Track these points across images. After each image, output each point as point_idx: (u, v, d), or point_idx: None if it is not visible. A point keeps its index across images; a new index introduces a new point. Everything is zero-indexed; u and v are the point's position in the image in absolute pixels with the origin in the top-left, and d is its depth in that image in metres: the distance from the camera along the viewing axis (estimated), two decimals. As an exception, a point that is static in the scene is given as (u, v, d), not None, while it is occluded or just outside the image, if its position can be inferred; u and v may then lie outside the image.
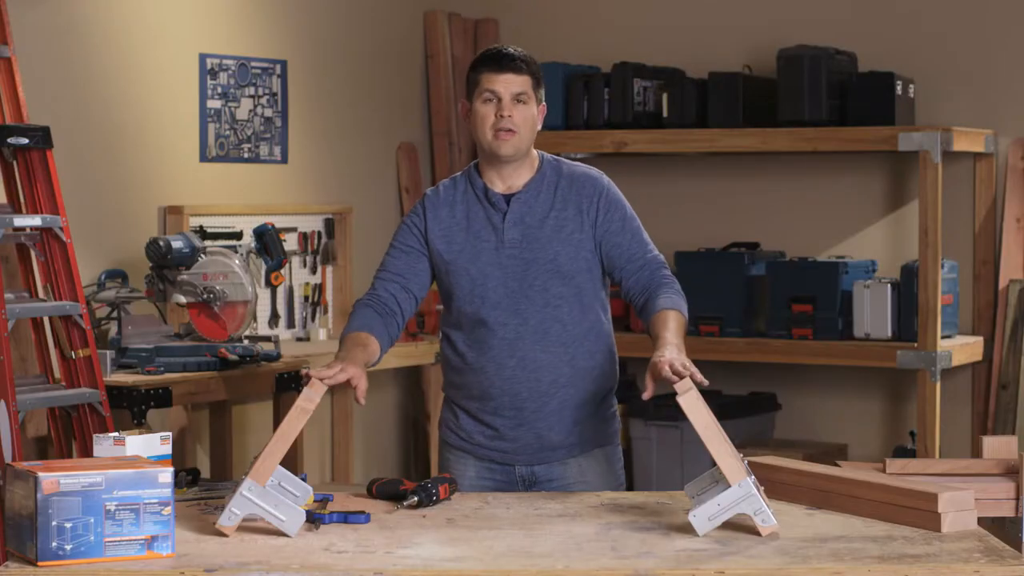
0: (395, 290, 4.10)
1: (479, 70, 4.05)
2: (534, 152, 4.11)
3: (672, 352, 3.74)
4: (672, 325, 3.90)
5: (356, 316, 4.08)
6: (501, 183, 4.09)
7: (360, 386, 3.78)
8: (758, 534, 3.35)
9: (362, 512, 3.51)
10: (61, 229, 5.14)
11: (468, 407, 4.10)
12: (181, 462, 5.38)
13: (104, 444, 3.52)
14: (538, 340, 4.02)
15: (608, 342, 4.14)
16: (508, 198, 4.07)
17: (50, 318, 5.26)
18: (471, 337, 4.06)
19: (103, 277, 5.79)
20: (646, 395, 3.74)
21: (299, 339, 6.86)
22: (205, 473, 6.22)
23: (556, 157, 4.17)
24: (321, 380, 3.61)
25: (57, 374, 5.30)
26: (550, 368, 4.02)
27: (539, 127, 4.09)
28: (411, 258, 4.11)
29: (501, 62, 4.02)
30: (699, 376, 3.64)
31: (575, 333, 4.04)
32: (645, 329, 4.03)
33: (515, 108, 4.01)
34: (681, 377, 3.60)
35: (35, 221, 5.12)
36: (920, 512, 3.45)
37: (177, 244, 5.68)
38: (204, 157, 6.52)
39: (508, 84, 4.01)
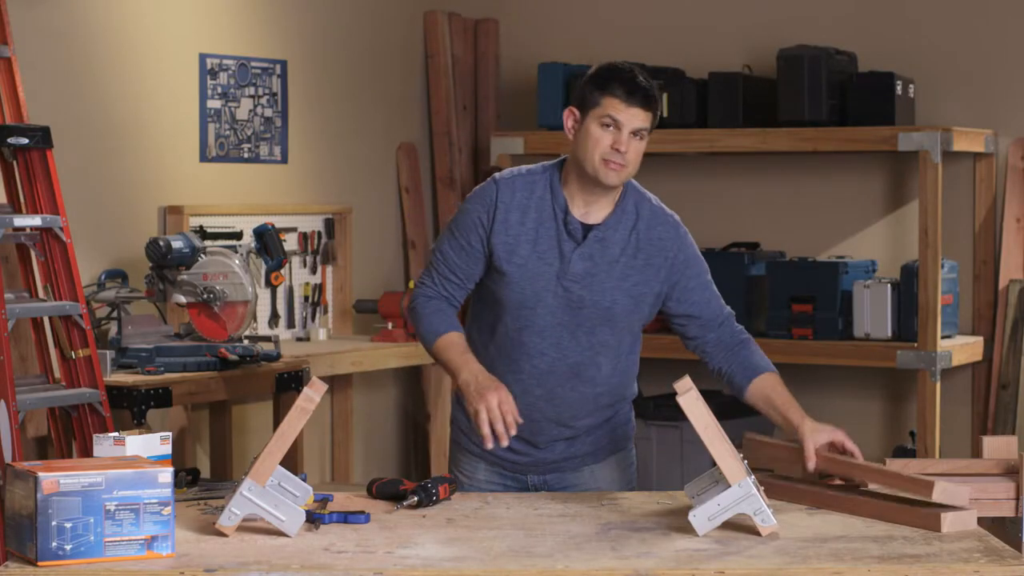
0: (454, 290, 3.96)
1: (606, 90, 3.81)
2: None
3: (832, 431, 3.81)
4: (788, 396, 3.97)
5: (435, 311, 3.96)
6: (582, 205, 3.89)
7: (511, 411, 3.75)
8: (758, 534, 3.35)
9: (362, 512, 3.51)
10: (61, 229, 5.14)
11: None
12: (181, 462, 5.38)
13: (104, 444, 3.52)
14: (570, 378, 3.93)
15: (634, 368, 4.06)
16: (586, 229, 3.88)
17: (50, 318, 5.26)
18: (503, 351, 3.94)
19: (103, 277, 5.79)
20: (811, 465, 3.75)
21: (299, 339, 6.86)
22: (205, 473, 6.21)
23: (640, 189, 3.99)
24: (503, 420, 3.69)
25: (57, 374, 5.29)
26: (574, 406, 3.96)
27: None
28: (471, 259, 3.92)
29: (634, 94, 3.80)
30: (858, 452, 3.76)
31: (606, 375, 3.95)
32: (735, 384, 4.02)
33: (631, 142, 3.82)
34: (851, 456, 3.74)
35: (35, 221, 5.12)
36: (920, 511, 3.45)
37: (177, 244, 5.68)
38: (204, 157, 6.52)
39: (633, 119, 3.81)
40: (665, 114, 7.11)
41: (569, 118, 3.89)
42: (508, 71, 7.79)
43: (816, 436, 3.78)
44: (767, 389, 3.94)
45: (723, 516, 3.36)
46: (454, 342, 3.90)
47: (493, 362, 3.93)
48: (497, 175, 3.95)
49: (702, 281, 3.98)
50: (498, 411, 3.70)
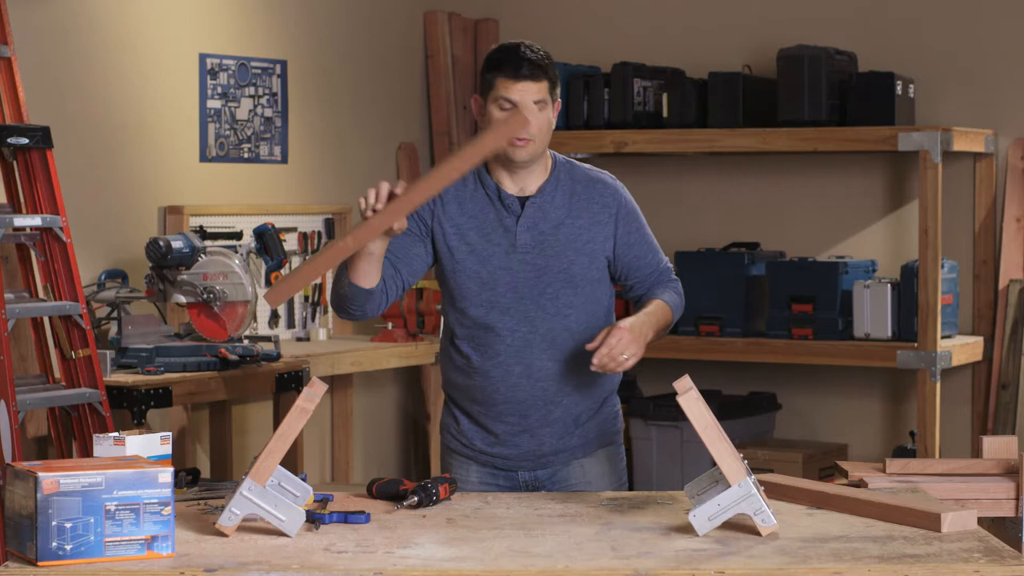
0: (383, 264, 3.91)
1: (495, 73, 3.91)
2: (547, 152, 4.03)
3: (628, 328, 3.81)
4: (650, 308, 3.96)
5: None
6: (513, 185, 3.98)
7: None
8: (758, 534, 3.35)
9: (362, 512, 3.51)
10: (61, 229, 5.14)
11: (470, 410, 4.06)
12: (181, 462, 5.38)
13: (104, 444, 3.52)
14: (546, 348, 3.97)
15: None
16: (522, 201, 3.97)
17: (50, 318, 5.26)
18: (476, 340, 4.00)
19: (103, 277, 5.80)
20: (588, 346, 3.81)
21: (299, 339, 6.86)
22: (205, 473, 6.22)
23: (569, 159, 4.08)
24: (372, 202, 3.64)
25: (57, 374, 5.30)
26: (556, 377, 3.99)
27: (554, 125, 3.99)
28: (408, 240, 3.95)
29: (519, 69, 3.88)
30: (619, 364, 3.78)
31: (582, 341, 3.96)
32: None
33: (532, 116, 3.88)
34: (613, 365, 3.77)
35: (35, 221, 5.13)
36: (920, 511, 3.45)
37: (177, 244, 5.68)
38: (204, 157, 6.52)
39: (525, 92, 3.88)
40: (665, 114, 7.11)
41: (475, 105, 3.99)
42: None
43: (617, 326, 3.83)
44: (641, 304, 4.03)
45: (723, 516, 3.36)
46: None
47: (474, 357, 3.99)
48: None
49: (642, 236, 4.06)
50: (383, 183, 3.68)
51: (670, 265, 4.13)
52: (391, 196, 3.66)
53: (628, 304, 4.15)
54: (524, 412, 4.00)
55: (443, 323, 4.16)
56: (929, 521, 3.41)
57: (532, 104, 3.89)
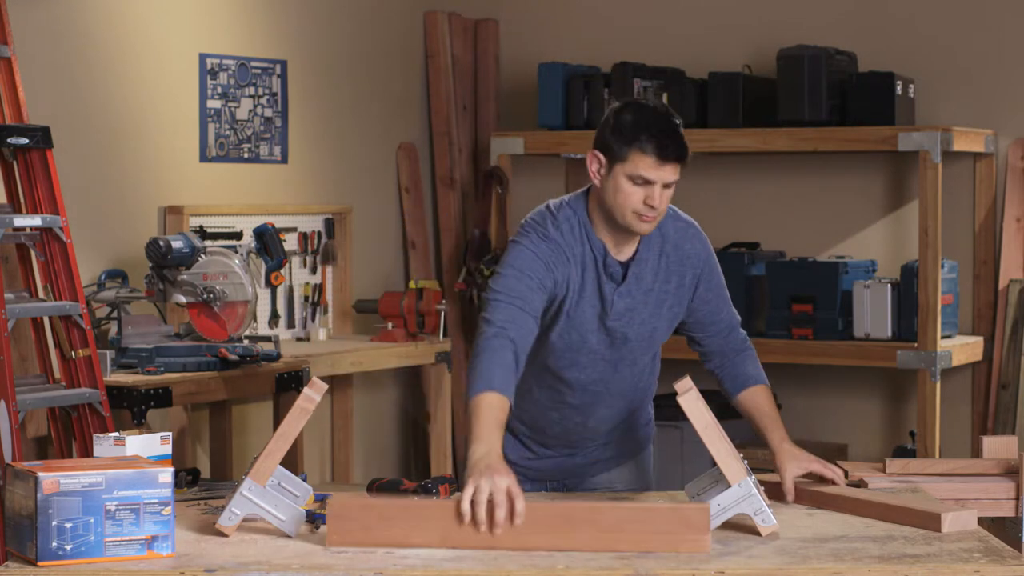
0: (530, 324, 3.63)
1: (634, 146, 3.59)
2: None
3: (809, 462, 3.76)
4: (773, 407, 3.90)
5: (499, 362, 3.56)
6: (613, 244, 3.75)
7: (520, 504, 3.24)
8: (758, 534, 3.35)
9: (362, 512, 3.51)
10: (61, 229, 5.13)
11: (514, 428, 3.94)
12: (181, 462, 5.38)
13: (104, 444, 3.52)
14: (612, 403, 3.92)
15: (657, 368, 4.04)
16: (624, 267, 3.76)
17: (50, 318, 5.26)
18: (546, 381, 3.86)
19: (103, 277, 5.79)
20: (791, 498, 3.68)
21: (299, 339, 6.86)
22: (205, 473, 6.22)
23: None
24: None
25: (57, 374, 5.29)
26: (610, 419, 3.95)
27: None
28: (541, 294, 3.67)
29: (666, 152, 3.60)
30: (841, 478, 3.74)
31: (640, 387, 3.96)
32: (727, 391, 3.96)
33: (664, 194, 3.65)
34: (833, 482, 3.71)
35: (35, 221, 5.12)
36: (919, 511, 3.45)
37: (177, 244, 5.68)
38: (204, 157, 6.52)
39: (665, 175, 3.63)
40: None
41: (594, 163, 3.68)
42: (508, 71, 7.79)
43: (792, 466, 3.73)
44: (754, 402, 3.90)
45: (723, 516, 3.36)
46: (494, 406, 3.48)
47: (536, 392, 3.88)
48: (549, 216, 3.75)
49: (718, 291, 3.92)
50: (505, 496, 3.24)
51: (738, 317, 4.00)
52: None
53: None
54: (572, 444, 3.98)
55: None
56: (929, 521, 3.41)
57: (664, 185, 3.64)
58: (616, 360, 3.85)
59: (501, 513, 3.21)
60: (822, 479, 3.74)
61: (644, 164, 3.61)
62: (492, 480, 3.24)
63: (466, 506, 3.21)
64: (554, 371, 3.84)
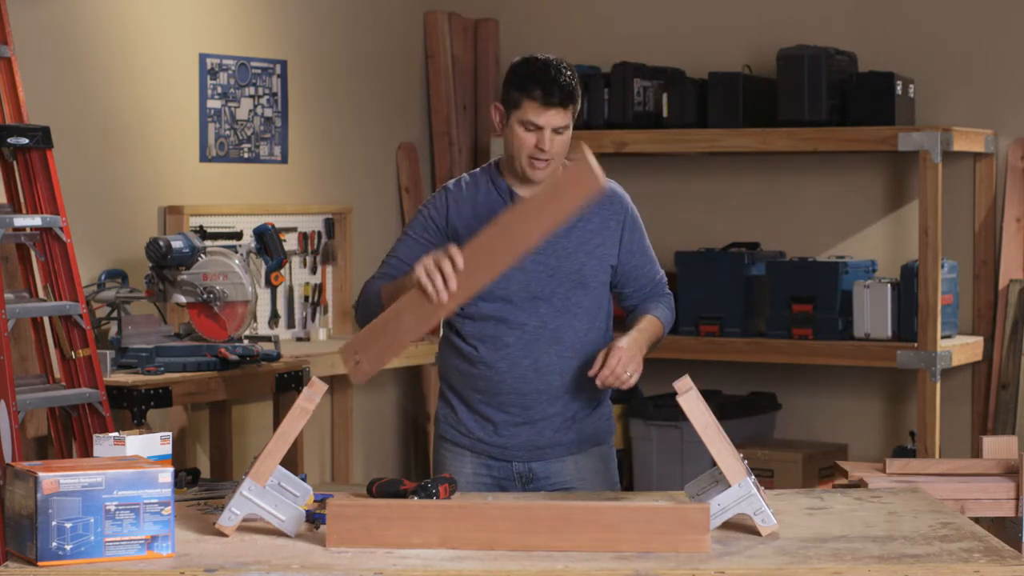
0: (404, 271, 4.00)
1: (524, 92, 3.92)
2: None
3: (627, 347, 3.89)
4: (643, 324, 4.05)
5: (374, 287, 4.05)
6: (525, 189, 4.03)
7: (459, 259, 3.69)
8: (758, 534, 3.35)
9: (362, 512, 3.51)
10: (61, 229, 5.14)
11: (470, 399, 4.12)
12: (181, 462, 5.38)
13: (104, 444, 3.52)
14: (553, 344, 4.04)
15: (608, 341, 4.13)
16: None
17: (50, 318, 5.26)
18: (485, 332, 4.06)
19: (103, 277, 5.79)
20: (590, 372, 3.87)
21: (299, 339, 6.86)
22: (205, 473, 6.22)
23: None
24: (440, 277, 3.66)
25: (57, 374, 5.29)
26: (561, 372, 4.05)
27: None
28: (425, 250, 3.95)
29: (551, 95, 3.89)
30: (622, 382, 3.86)
31: (586, 340, 4.07)
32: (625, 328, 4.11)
33: (554, 139, 3.93)
34: (617, 383, 3.86)
35: (35, 221, 5.12)
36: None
37: (177, 244, 5.68)
38: (204, 157, 6.52)
39: (552, 119, 3.91)
40: (665, 114, 7.11)
41: (495, 114, 4.00)
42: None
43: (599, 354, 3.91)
44: (633, 319, 4.11)
45: (723, 516, 3.36)
46: (390, 286, 3.96)
47: (481, 347, 4.06)
48: (445, 184, 4.14)
49: (643, 245, 4.15)
50: (444, 254, 3.68)
51: (665, 279, 4.22)
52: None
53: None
54: (526, 404, 4.06)
55: (444, 321, 4.19)
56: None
57: (554, 130, 3.92)
58: (548, 294, 4.02)
59: (447, 265, 3.65)
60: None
61: (531, 109, 3.90)
62: (431, 255, 3.68)
63: (425, 279, 3.65)
64: (489, 314, 4.03)
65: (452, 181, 4.13)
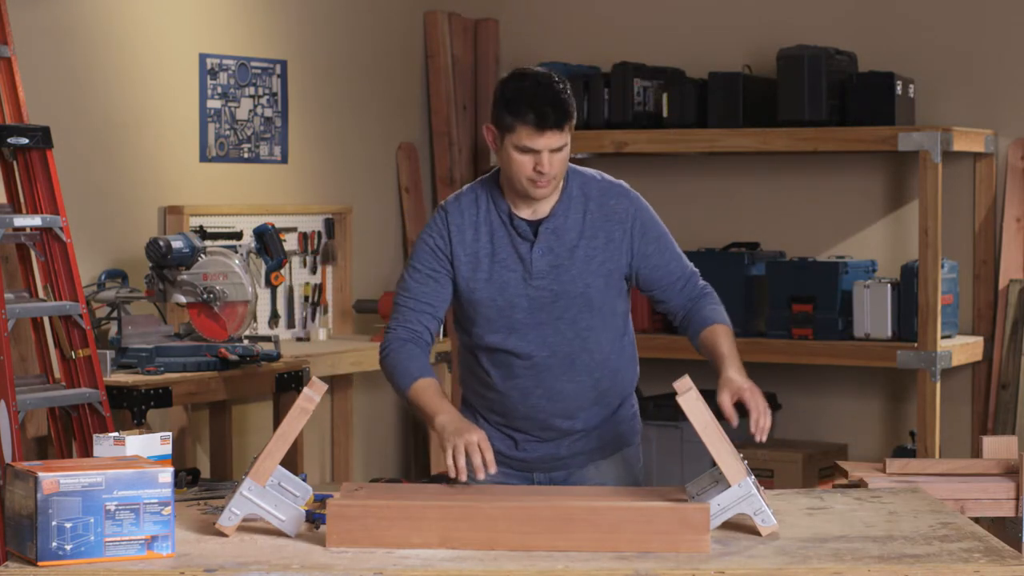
0: (428, 321, 3.90)
1: (517, 117, 3.75)
2: None
3: (750, 387, 3.76)
4: (727, 343, 3.90)
5: (408, 356, 3.87)
6: (526, 208, 3.88)
7: (489, 453, 3.65)
8: (758, 534, 3.35)
9: (362, 512, 3.51)
10: (61, 229, 5.14)
11: (488, 418, 4.01)
12: (181, 462, 5.38)
13: (104, 444, 3.52)
14: (565, 371, 3.92)
15: (631, 351, 4.06)
16: (535, 226, 3.87)
17: (50, 318, 5.26)
18: (496, 360, 3.93)
19: (103, 277, 5.79)
20: (734, 423, 3.68)
21: (299, 339, 6.86)
22: (205, 473, 6.22)
23: (581, 170, 3.94)
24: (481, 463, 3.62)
25: (57, 374, 5.30)
26: (576, 396, 3.95)
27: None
28: (439, 284, 3.89)
29: (544, 118, 3.73)
30: (766, 421, 3.71)
31: (600, 358, 3.95)
32: (691, 340, 3.98)
33: (553, 159, 3.76)
34: (757, 417, 3.70)
35: (35, 221, 5.12)
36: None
37: (177, 244, 5.68)
38: (204, 157, 6.52)
39: (548, 141, 3.74)
40: (665, 114, 7.11)
41: (489, 135, 3.86)
42: (508, 71, 7.78)
43: (723, 396, 3.76)
44: (710, 342, 3.94)
45: (723, 516, 3.36)
46: (428, 386, 3.81)
47: (494, 374, 3.94)
48: (443, 201, 3.97)
49: (662, 244, 3.96)
50: (476, 447, 3.61)
51: (695, 269, 4.03)
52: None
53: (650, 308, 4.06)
54: (544, 426, 3.97)
55: (458, 350, 4.10)
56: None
57: (552, 151, 3.76)
58: (553, 320, 3.88)
59: (477, 458, 3.60)
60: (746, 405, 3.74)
61: (526, 134, 3.75)
62: (464, 437, 3.63)
63: (451, 462, 3.60)
64: (498, 346, 3.91)
65: (451, 198, 3.96)
